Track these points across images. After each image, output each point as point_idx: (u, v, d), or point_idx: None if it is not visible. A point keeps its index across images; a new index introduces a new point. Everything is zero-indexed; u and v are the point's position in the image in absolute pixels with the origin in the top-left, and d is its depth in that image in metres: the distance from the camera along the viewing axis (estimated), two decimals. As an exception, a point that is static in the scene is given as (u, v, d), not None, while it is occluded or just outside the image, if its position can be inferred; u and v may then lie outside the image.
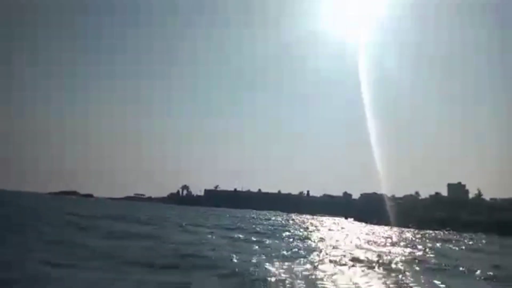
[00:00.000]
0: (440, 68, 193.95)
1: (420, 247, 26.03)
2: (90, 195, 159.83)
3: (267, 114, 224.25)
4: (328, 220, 79.60)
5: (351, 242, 26.81)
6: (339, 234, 35.33)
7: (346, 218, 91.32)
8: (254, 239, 23.66)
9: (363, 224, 74.14)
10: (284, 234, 29.67)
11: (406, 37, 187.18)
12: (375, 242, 27.61)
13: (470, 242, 35.13)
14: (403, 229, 60.60)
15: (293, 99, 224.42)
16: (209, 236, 24.02)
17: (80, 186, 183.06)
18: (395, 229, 59.51)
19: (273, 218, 70.19)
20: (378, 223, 79.72)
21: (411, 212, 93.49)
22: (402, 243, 28.52)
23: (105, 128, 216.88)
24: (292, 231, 34.65)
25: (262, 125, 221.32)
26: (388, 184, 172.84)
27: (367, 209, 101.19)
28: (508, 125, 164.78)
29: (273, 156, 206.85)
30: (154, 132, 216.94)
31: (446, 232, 54.60)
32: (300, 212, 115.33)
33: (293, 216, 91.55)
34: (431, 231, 55.16)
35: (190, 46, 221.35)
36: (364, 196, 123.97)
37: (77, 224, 26.37)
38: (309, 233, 33.70)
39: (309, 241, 25.20)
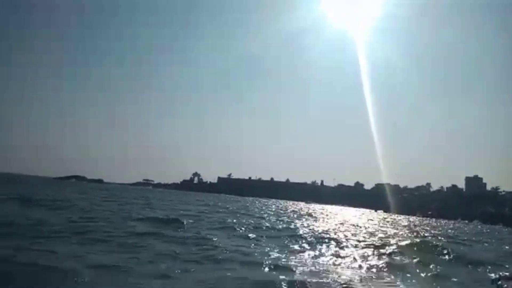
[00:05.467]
0: (443, 61, 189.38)
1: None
2: (100, 180, 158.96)
3: (274, 104, 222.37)
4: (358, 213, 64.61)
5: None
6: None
7: (375, 210, 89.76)
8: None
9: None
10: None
11: (404, 30, 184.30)
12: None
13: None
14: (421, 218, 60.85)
15: (297, 90, 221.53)
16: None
17: (88, 172, 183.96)
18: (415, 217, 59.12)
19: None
20: (393, 212, 78.19)
21: (429, 203, 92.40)
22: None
23: (112, 115, 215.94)
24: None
25: (267, 115, 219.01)
26: (398, 175, 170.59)
27: (380, 199, 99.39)
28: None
29: (280, 145, 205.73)
30: (164, 120, 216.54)
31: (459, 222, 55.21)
32: (316, 201, 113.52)
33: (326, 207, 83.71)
34: (447, 220, 55.62)
35: (194, 43, 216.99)
36: (378, 186, 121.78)
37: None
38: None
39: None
